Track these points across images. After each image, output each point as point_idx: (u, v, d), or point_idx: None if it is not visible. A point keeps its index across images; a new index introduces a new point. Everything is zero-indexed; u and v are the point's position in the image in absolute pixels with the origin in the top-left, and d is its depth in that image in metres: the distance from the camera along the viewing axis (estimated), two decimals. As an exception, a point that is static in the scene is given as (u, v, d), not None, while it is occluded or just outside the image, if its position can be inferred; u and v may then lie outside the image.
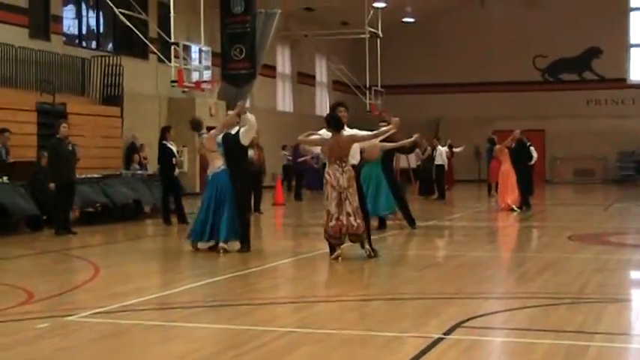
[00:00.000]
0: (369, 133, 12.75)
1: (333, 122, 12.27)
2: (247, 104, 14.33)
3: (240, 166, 13.52)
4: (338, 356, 6.75)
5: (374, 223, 16.12)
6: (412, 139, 16.77)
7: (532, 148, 29.12)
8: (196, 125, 14.95)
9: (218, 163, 13.65)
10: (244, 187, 13.61)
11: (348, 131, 12.42)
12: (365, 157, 15.26)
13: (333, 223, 11.96)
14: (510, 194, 22.05)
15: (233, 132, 13.47)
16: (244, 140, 13.42)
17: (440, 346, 6.92)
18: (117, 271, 11.87)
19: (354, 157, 12.56)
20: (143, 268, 12.26)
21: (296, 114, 41.02)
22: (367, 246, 12.42)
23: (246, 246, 13.46)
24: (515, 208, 21.88)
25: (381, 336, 7.34)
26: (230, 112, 13.85)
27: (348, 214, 11.94)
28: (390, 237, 16.98)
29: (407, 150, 18.00)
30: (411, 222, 17.54)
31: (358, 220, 11.98)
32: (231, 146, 13.42)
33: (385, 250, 15.09)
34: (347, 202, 11.99)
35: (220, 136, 13.59)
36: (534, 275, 11.12)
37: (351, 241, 12.32)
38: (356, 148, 12.61)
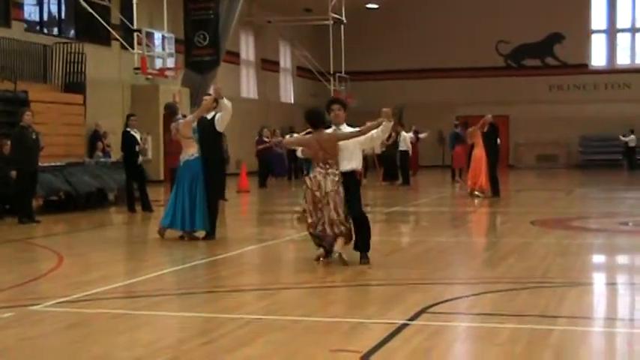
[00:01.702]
0: (354, 129, 10.81)
1: (310, 118, 10.90)
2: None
3: (213, 153, 13.38)
4: (303, 343, 6.78)
5: None
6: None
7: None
8: (172, 110, 14.76)
9: (192, 150, 13.50)
10: (216, 175, 13.51)
11: (342, 128, 10.84)
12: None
13: (318, 229, 10.68)
14: (478, 178, 22.04)
15: (209, 117, 13.29)
16: (220, 126, 13.23)
17: (405, 332, 6.97)
18: (81, 260, 11.82)
19: (353, 160, 10.85)
20: (108, 256, 12.21)
21: (260, 101, 40.95)
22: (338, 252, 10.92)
23: (211, 234, 13.42)
24: (479, 193, 21.98)
25: (346, 322, 7.37)
26: (207, 97, 13.54)
27: (331, 223, 10.56)
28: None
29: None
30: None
31: (337, 230, 10.60)
32: (206, 131, 13.23)
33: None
34: (328, 208, 10.54)
35: (195, 122, 13.43)
36: (498, 260, 11.21)
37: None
38: (353, 149, 10.80)
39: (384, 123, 10.47)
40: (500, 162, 25.29)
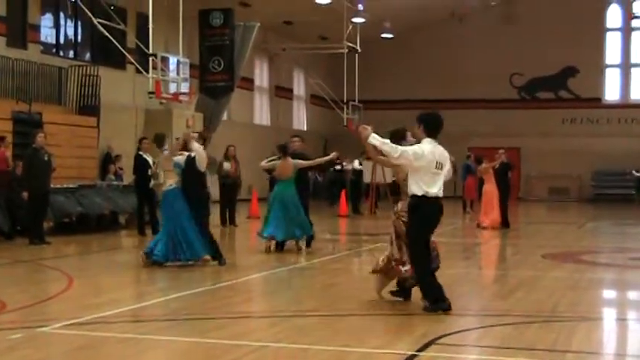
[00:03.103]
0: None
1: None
2: (193, 133, 14.49)
3: (192, 189, 13.61)
4: (311, 371, 6.76)
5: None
6: (329, 157, 16.48)
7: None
8: (159, 140, 14.69)
9: (170, 181, 13.76)
10: (197, 209, 13.57)
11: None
12: (276, 175, 15.65)
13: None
14: (490, 214, 22.20)
15: (192, 154, 13.68)
16: (200, 167, 13.64)
17: (413, 363, 6.94)
18: (91, 283, 11.82)
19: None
20: (117, 279, 12.21)
21: (273, 127, 41.02)
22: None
23: (221, 259, 13.46)
24: (485, 226, 22.10)
25: (354, 352, 7.35)
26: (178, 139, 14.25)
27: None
28: (364, 252, 17.04)
29: (324, 167, 17.72)
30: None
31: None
32: (188, 168, 13.63)
33: (360, 265, 15.15)
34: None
35: (184, 158, 13.69)
36: (508, 293, 11.17)
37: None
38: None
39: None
40: (511, 194, 25.28)
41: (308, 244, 16.05)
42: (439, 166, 9.34)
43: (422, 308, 9.25)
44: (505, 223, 22.19)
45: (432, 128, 9.45)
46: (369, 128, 9.53)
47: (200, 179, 13.81)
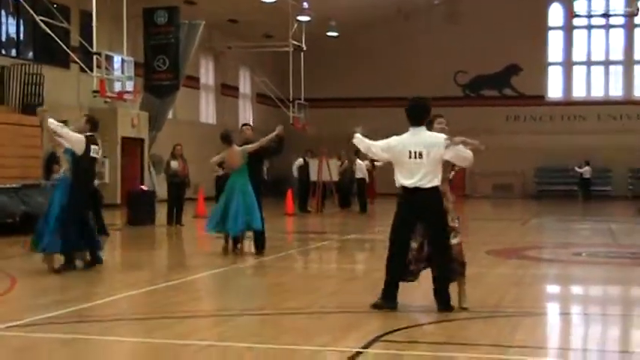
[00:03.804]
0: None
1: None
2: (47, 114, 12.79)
3: (73, 177, 12.56)
4: (257, 370, 6.76)
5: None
6: (274, 133, 14.89)
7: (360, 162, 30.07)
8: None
9: (61, 169, 12.92)
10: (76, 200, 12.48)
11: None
12: (226, 166, 14.93)
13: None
14: None
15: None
16: (76, 151, 12.49)
17: (359, 360, 6.97)
18: (35, 283, 11.67)
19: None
20: (62, 280, 12.07)
21: (219, 125, 40.82)
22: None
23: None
24: None
25: (300, 350, 7.36)
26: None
27: None
28: (311, 250, 17.06)
29: (275, 151, 16.01)
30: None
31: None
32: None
33: (307, 263, 15.17)
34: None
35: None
36: (452, 289, 11.23)
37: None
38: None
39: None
40: (457, 191, 25.41)
41: (260, 246, 14.76)
42: (415, 155, 9.10)
43: (371, 304, 9.25)
44: None
45: (411, 117, 9.38)
46: (357, 129, 9.79)
47: (80, 166, 12.53)
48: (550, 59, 47.10)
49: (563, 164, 43.98)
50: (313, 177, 29.23)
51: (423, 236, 9.22)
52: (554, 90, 47.14)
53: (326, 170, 29.09)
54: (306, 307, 9.77)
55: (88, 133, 12.65)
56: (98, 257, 12.94)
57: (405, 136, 9.32)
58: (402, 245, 9.27)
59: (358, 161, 30.33)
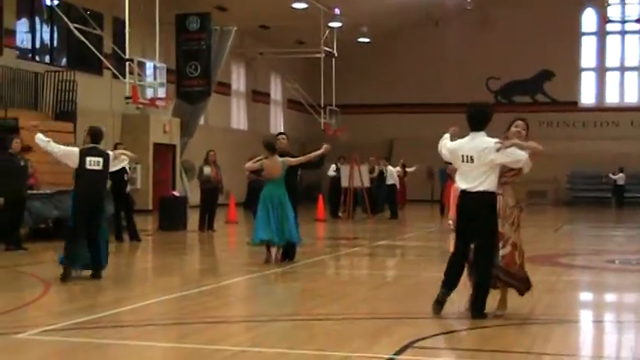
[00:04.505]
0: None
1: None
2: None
3: (74, 191, 12.70)
4: (289, 376, 6.76)
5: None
6: (320, 152, 14.60)
7: (390, 168, 29.97)
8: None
9: None
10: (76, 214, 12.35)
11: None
12: (265, 175, 14.32)
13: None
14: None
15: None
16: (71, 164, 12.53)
17: (391, 366, 6.96)
18: (68, 289, 11.75)
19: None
20: (95, 285, 12.14)
21: (250, 132, 41.01)
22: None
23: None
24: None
25: (332, 356, 7.36)
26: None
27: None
28: (342, 256, 17.06)
29: (314, 165, 15.97)
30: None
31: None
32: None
33: (338, 269, 15.17)
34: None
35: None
36: (493, 296, 11.18)
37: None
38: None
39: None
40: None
41: (290, 256, 14.50)
42: (466, 159, 9.17)
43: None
44: None
45: (471, 122, 9.42)
46: (450, 129, 9.79)
47: (76, 179, 12.50)
48: (583, 65, 46.82)
49: (597, 171, 43.65)
50: (344, 183, 29.24)
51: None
52: (587, 96, 46.84)
53: (357, 176, 29.06)
54: (338, 312, 9.77)
55: (89, 145, 12.60)
56: (97, 273, 12.36)
57: (464, 140, 9.41)
58: (457, 248, 9.35)
59: (389, 167, 30.32)
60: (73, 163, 12.39)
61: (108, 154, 12.62)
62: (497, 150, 9.11)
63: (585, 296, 12.27)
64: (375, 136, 44.01)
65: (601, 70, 46.87)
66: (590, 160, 43.85)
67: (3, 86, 23.86)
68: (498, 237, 9.16)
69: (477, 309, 9.05)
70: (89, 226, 12.27)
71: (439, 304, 9.20)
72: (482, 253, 9.11)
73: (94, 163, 12.39)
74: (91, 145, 12.62)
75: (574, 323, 9.71)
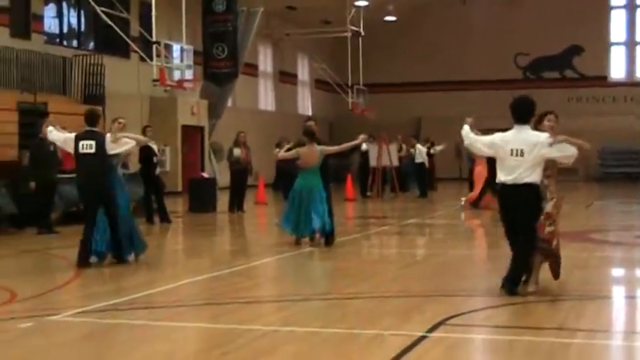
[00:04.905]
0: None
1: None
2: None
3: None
4: (321, 354, 6.78)
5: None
6: (357, 141, 14.63)
7: (419, 146, 30.08)
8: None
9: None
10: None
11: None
12: (301, 163, 13.91)
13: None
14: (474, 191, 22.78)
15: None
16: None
17: (423, 344, 6.96)
18: (100, 271, 11.83)
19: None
20: (126, 267, 12.22)
21: (278, 112, 41.01)
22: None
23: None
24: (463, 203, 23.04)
25: (363, 334, 7.37)
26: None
27: None
28: (372, 235, 17.06)
29: (347, 153, 15.38)
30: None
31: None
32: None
33: (368, 248, 15.17)
34: None
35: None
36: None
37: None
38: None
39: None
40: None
41: (329, 242, 14.09)
42: (516, 153, 9.15)
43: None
44: (476, 204, 22.56)
45: (516, 115, 9.49)
46: (468, 119, 9.91)
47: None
48: (612, 39, 46.35)
49: (627, 146, 43.28)
50: (373, 162, 29.18)
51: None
52: (617, 70, 46.39)
53: (386, 155, 29.00)
54: (369, 291, 9.79)
55: (85, 129, 12.22)
56: (118, 259, 12.11)
57: (509, 133, 9.40)
58: (511, 241, 9.41)
59: (418, 146, 30.21)
60: (71, 148, 12.17)
61: (102, 137, 12.04)
62: (550, 145, 9.14)
63: (617, 272, 12.21)
64: (403, 115, 43.85)
65: (631, 44, 46.38)
66: (621, 136, 43.47)
67: (32, 71, 23.96)
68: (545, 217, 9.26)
69: (509, 279, 9.09)
70: (105, 214, 11.97)
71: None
72: (524, 237, 9.19)
73: (86, 146, 11.97)
74: (87, 128, 12.21)
75: (607, 299, 9.67)
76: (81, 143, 11.98)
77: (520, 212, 9.14)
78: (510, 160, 9.19)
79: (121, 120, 12.66)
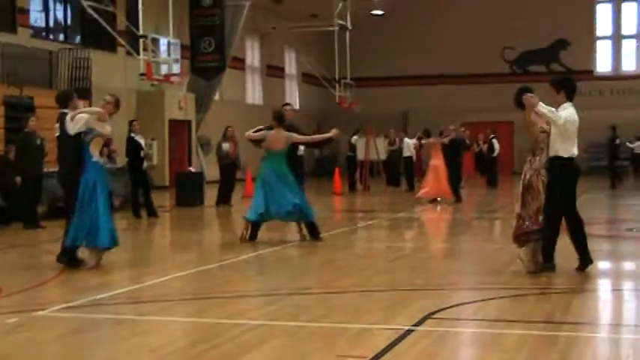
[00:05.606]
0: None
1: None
2: None
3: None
4: (309, 349, 6.78)
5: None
6: (329, 135, 14.27)
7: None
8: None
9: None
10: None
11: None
12: (265, 146, 13.67)
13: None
14: (437, 186, 22.58)
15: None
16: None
17: (410, 338, 6.96)
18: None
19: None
20: (112, 261, 12.18)
21: (265, 106, 40.93)
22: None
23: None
24: (440, 200, 22.92)
25: (351, 328, 7.37)
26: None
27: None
28: (360, 229, 17.07)
29: (316, 145, 14.94)
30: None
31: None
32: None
33: (355, 242, 15.17)
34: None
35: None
36: (503, 266, 11.19)
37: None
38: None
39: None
40: (505, 168, 25.43)
41: (315, 235, 13.82)
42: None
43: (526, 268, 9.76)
44: (458, 199, 22.86)
45: (572, 92, 10.26)
46: (536, 97, 10.15)
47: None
48: (599, 33, 46.46)
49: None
50: (360, 156, 29.18)
51: None
52: (603, 64, 46.52)
53: (373, 149, 29.01)
54: (356, 285, 9.78)
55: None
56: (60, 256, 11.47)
57: (573, 110, 10.23)
58: (573, 213, 10.49)
59: (406, 139, 30.21)
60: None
61: (64, 116, 11.21)
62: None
63: (604, 265, 12.22)
64: (390, 108, 43.84)
65: (617, 38, 46.52)
66: (607, 129, 43.54)
67: (18, 65, 23.85)
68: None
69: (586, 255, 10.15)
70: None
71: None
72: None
73: (56, 129, 11.42)
74: (60, 110, 11.50)
75: (593, 292, 9.69)
76: (55, 126, 11.46)
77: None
78: (574, 135, 10.14)
79: (106, 97, 11.59)
